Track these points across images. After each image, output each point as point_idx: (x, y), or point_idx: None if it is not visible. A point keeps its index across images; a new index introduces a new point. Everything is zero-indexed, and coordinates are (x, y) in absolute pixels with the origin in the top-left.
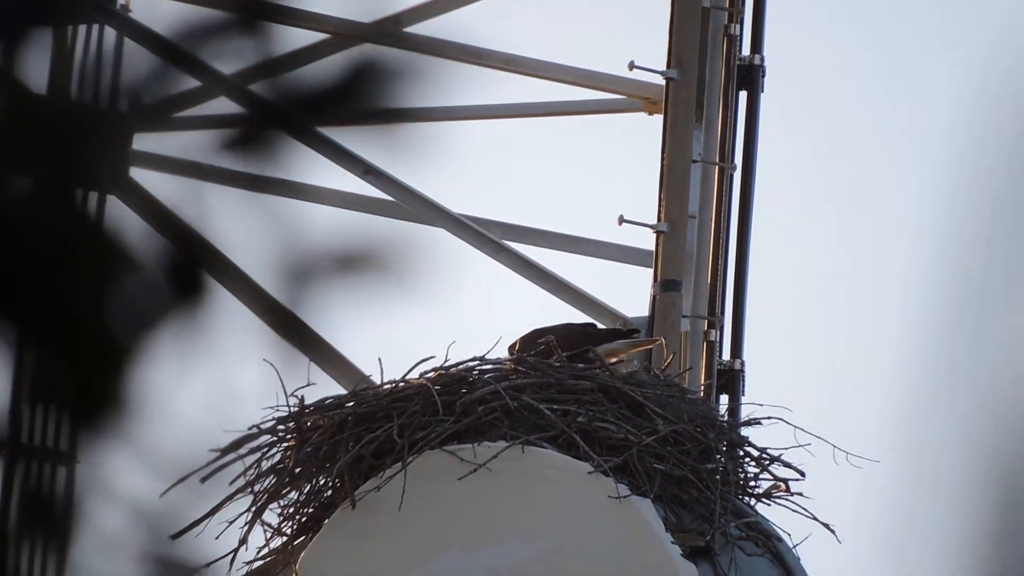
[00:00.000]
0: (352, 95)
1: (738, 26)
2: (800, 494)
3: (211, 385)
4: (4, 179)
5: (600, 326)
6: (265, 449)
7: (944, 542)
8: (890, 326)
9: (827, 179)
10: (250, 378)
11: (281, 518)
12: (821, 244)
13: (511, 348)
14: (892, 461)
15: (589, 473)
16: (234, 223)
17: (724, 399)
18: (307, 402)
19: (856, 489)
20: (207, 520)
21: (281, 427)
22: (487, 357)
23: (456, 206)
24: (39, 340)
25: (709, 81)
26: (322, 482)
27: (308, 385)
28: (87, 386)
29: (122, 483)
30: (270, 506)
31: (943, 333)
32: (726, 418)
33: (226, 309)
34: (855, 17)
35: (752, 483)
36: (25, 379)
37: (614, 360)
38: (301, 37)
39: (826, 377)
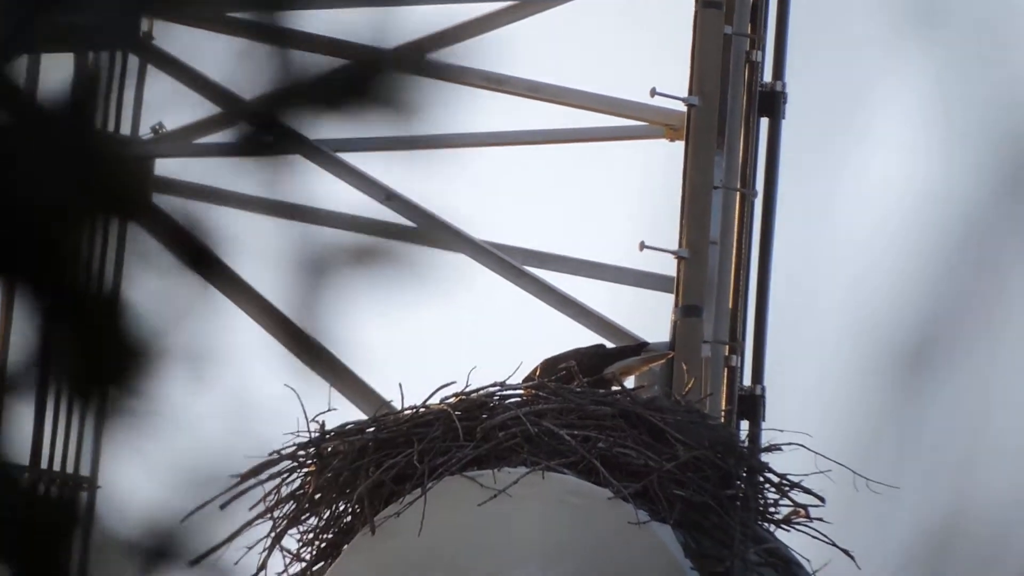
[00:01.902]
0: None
1: (760, 52)
2: (820, 520)
3: (227, 395)
4: (25, 203)
5: (609, 345)
6: (285, 475)
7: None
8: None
9: (848, 205)
10: (267, 390)
11: (300, 544)
12: (842, 269)
13: (527, 380)
14: (912, 487)
15: (609, 499)
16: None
17: (745, 425)
18: (327, 428)
19: (876, 515)
20: (226, 545)
21: (301, 453)
22: (508, 383)
23: (477, 232)
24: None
25: (731, 107)
26: (342, 508)
27: (328, 411)
28: (103, 386)
29: (138, 492)
30: (290, 532)
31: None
32: (746, 444)
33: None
34: (877, 43)
35: (772, 509)
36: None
37: (629, 377)
38: (324, 63)
39: (847, 403)
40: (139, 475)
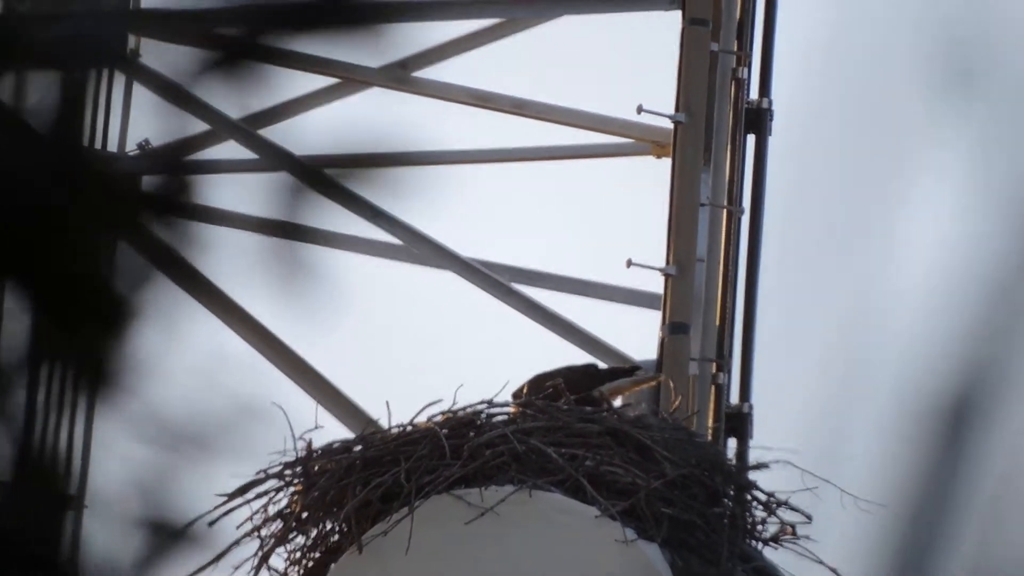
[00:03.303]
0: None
1: (746, 70)
2: (808, 538)
3: (202, 348)
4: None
5: (602, 365)
6: (272, 494)
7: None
8: (899, 369)
9: (835, 222)
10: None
11: (288, 563)
12: (830, 287)
13: (515, 395)
14: (898, 504)
15: (596, 517)
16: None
17: (732, 442)
18: (314, 446)
19: (863, 533)
20: (213, 565)
21: (288, 472)
22: (495, 401)
23: (464, 250)
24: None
25: (717, 125)
26: (329, 527)
27: (315, 429)
28: (89, 346)
29: (119, 447)
30: (277, 551)
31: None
32: (734, 462)
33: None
34: (864, 60)
35: (759, 527)
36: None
37: (618, 398)
38: (311, 81)
39: (834, 420)
40: (126, 438)
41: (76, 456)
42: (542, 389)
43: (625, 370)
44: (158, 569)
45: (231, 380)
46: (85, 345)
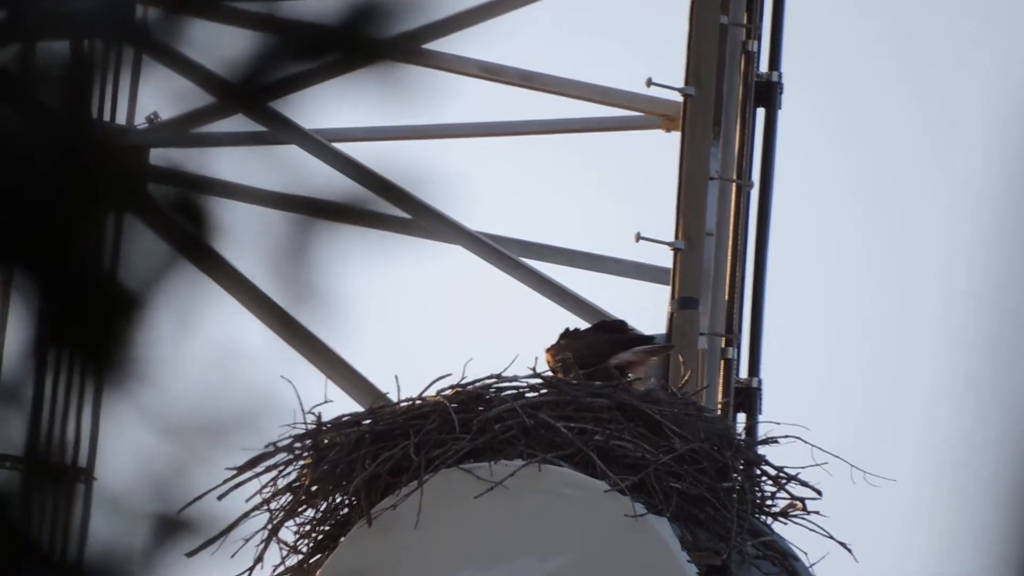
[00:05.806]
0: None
1: (756, 43)
2: (817, 513)
3: (214, 341)
4: (19, 188)
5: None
6: (281, 467)
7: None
8: (910, 344)
9: (845, 196)
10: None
11: (297, 536)
12: (839, 261)
13: (558, 341)
14: (910, 480)
15: (606, 491)
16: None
17: (741, 417)
18: (324, 420)
19: (873, 508)
20: (223, 538)
21: (298, 445)
22: (504, 375)
23: (473, 224)
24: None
25: (727, 98)
26: (338, 500)
27: (325, 403)
28: (99, 340)
29: (128, 439)
30: (286, 524)
31: (976, 349)
32: (743, 437)
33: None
34: (874, 33)
35: (769, 502)
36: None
37: (630, 368)
38: (320, 53)
39: (844, 395)
40: (135, 432)
41: (84, 442)
42: (567, 346)
43: (645, 338)
44: (166, 552)
45: (240, 354)
46: (93, 322)
